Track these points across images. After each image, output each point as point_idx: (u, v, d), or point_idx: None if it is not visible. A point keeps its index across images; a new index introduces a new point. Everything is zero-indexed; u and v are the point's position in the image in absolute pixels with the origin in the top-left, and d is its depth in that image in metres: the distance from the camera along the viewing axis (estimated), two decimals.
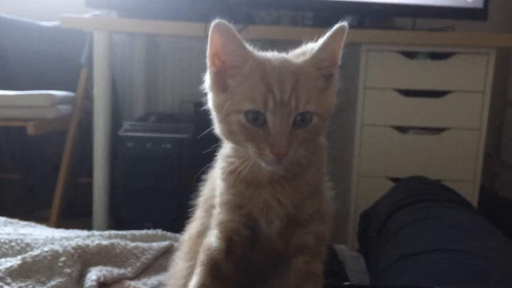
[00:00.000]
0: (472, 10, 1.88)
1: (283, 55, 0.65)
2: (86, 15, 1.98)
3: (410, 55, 1.78)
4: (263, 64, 0.61)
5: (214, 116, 0.65)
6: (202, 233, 0.73)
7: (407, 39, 1.77)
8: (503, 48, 1.97)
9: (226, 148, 0.68)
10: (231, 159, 0.66)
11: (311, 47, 0.64)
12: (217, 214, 0.68)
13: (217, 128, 0.65)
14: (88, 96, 2.07)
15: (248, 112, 0.59)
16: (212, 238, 0.68)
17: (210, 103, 0.65)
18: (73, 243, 0.93)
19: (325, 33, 0.63)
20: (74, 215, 2.17)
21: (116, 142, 1.88)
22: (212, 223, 0.70)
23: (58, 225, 1.94)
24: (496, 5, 2.07)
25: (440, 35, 1.79)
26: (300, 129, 0.60)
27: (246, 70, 0.61)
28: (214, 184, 0.71)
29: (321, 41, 0.63)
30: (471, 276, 0.67)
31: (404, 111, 1.82)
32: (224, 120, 0.62)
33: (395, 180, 1.79)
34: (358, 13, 2.00)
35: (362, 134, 1.83)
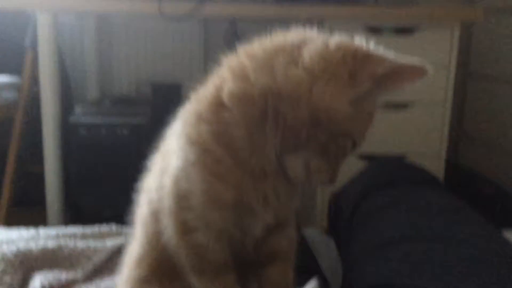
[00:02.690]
0: None
1: None
2: None
3: (375, 30, 1.73)
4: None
5: (311, 114, 0.51)
6: (143, 260, 0.63)
7: (370, 15, 1.72)
8: (465, 21, 1.95)
9: (229, 127, 0.54)
10: (240, 144, 0.54)
11: None
12: (196, 215, 0.56)
13: (296, 120, 0.52)
14: (35, 81, 1.93)
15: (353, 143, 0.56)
16: (200, 236, 0.57)
17: (324, 101, 0.52)
18: (14, 248, 0.84)
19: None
20: (29, 204, 2.06)
21: (68, 129, 1.76)
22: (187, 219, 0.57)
23: (9, 216, 1.83)
24: None
25: (404, 10, 1.75)
26: None
27: (372, 103, 0.56)
28: (164, 184, 0.59)
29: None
30: (451, 265, 0.63)
31: None
32: (328, 132, 0.52)
33: (362, 157, 1.76)
34: None
35: None
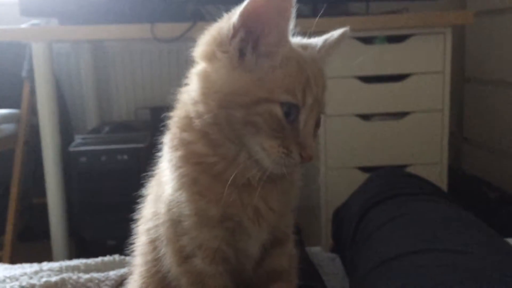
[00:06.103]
0: None
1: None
2: (23, 25, 1.85)
3: (367, 40, 1.73)
4: (299, 53, 0.54)
5: (214, 98, 0.52)
6: None
7: (362, 24, 1.71)
8: (457, 25, 1.95)
9: (192, 147, 0.55)
10: (211, 159, 0.54)
11: (315, 43, 0.60)
12: (190, 237, 0.57)
13: (209, 115, 0.52)
14: (34, 112, 1.93)
15: (284, 104, 0.51)
16: (198, 261, 0.57)
17: (217, 82, 0.52)
18: (17, 285, 0.83)
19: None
20: (33, 238, 2.05)
21: (68, 158, 1.76)
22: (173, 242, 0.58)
23: (14, 251, 1.82)
24: None
25: (395, 18, 1.75)
26: (316, 131, 0.56)
27: (282, 53, 0.52)
28: (158, 209, 0.61)
29: (329, 40, 0.62)
30: (460, 279, 0.61)
31: (366, 98, 1.77)
32: (240, 107, 0.50)
33: (364, 169, 1.75)
34: (311, 2, 1.94)
35: (326, 125, 1.77)
